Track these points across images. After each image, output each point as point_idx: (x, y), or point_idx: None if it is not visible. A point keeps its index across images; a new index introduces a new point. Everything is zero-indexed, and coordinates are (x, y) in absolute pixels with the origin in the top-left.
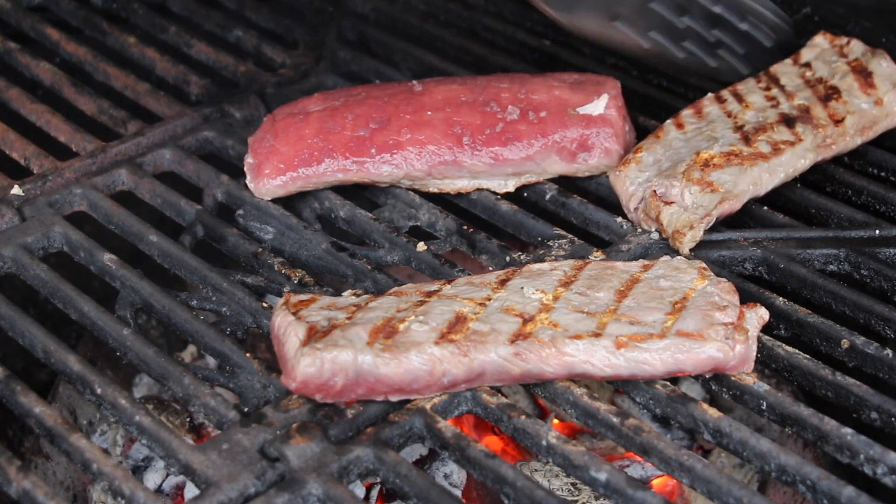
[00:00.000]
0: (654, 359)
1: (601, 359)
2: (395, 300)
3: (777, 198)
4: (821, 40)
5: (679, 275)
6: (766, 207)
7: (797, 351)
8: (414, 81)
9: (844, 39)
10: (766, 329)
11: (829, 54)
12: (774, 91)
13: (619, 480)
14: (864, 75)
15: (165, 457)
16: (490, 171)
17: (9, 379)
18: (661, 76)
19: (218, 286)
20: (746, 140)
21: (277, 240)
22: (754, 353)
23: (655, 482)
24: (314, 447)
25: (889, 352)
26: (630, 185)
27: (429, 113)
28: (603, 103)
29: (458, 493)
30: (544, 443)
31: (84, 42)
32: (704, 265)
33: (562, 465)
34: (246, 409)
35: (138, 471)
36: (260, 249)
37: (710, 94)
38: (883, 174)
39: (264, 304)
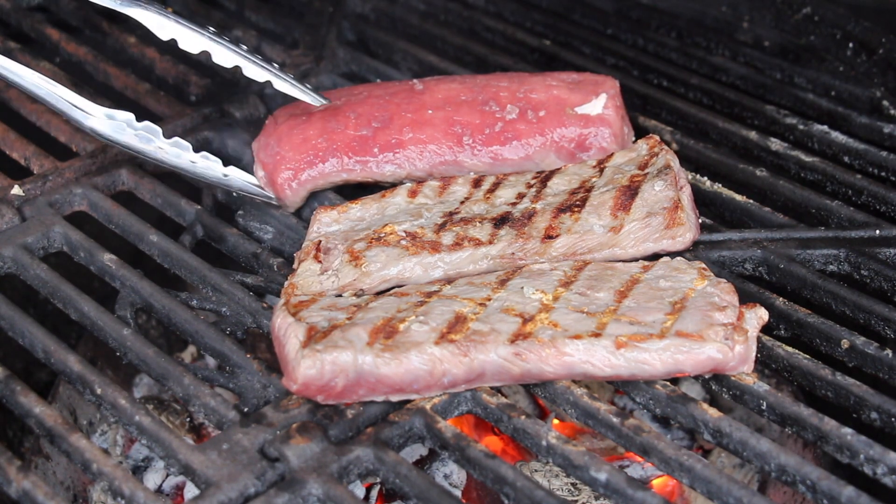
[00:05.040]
0: (653, 359)
1: (601, 359)
2: (395, 300)
3: (777, 198)
4: (642, 144)
5: (679, 275)
6: (766, 208)
7: (797, 351)
8: (414, 80)
9: (660, 148)
10: (766, 329)
11: (633, 162)
12: (532, 191)
13: (619, 480)
14: (629, 194)
15: (165, 457)
16: (490, 171)
17: (9, 379)
18: (662, 76)
19: (218, 286)
20: (441, 227)
21: (277, 240)
22: (754, 354)
23: (655, 482)
24: (314, 447)
25: (889, 352)
26: (318, 227)
27: (429, 112)
28: (601, 103)
29: (458, 493)
30: (544, 443)
31: (84, 42)
32: (704, 266)
33: (562, 465)
34: (246, 410)
35: (138, 471)
36: (260, 249)
37: (470, 175)
38: (883, 174)
39: (264, 304)
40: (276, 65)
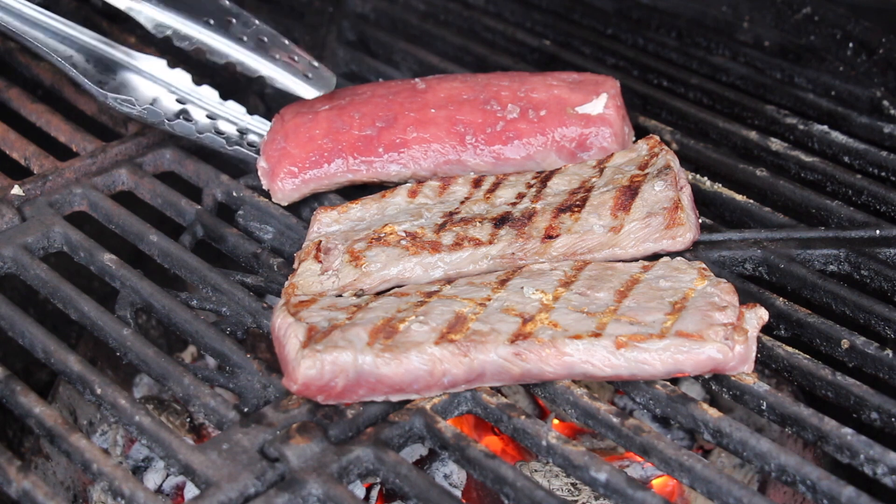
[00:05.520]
0: (653, 359)
1: (601, 359)
2: (395, 300)
3: (777, 198)
4: (642, 145)
5: (679, 275)
6: (766, 208)
7: (797, 351)
8: (417, 79)
9: (661, 148)
10: (766, 329)
11: (634, 163)
12: (532, 191)
13: (619, 480)
14: (629, 194)
15: (165, 457)
16: (492, 170)
17: (9, 379)
18: (662, 76)
19: (218, 286)
20: (441, 227)
21: (277, 240)
22: (754, 354)
23: (655, 482)
24: (314, 447)
25: (889, 352)
26: (318, 227)
27: (432, 111)
28: (602, 103)
29: (458, 493)
30: (544, 443)
31: None
32: (704, 266)
33: (562, 465)
34: (246, 410)
35: (138, 471)
36: (260, 249)
37: (470, 175)
38: (883, 174)
39: (264, 304)
40: (278, 51)
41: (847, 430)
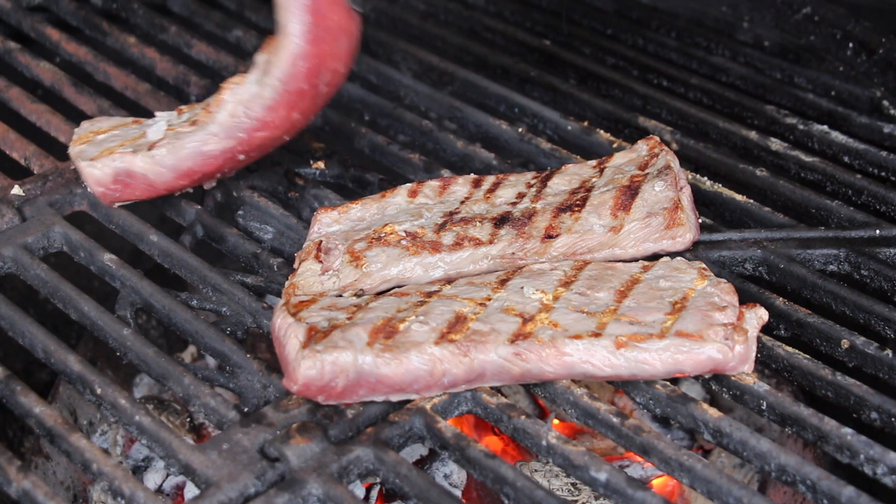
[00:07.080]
0: (653, 359)
1: (601, 359)
2: (395, 300)
3: (777, 198)
4: (642, 145)
5: (679, 275)
6: (766, 208)
7: (797, 351)
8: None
9: (661, 149)
10: (766, 329)
11: (634, 163)
12: (532, 191)
13: (619, 480)
14: (629, 194)
15: (165, 457)
16: None
17: (9, 379)
18: (662, 76)
19: (218, 286)
20: (441, 227)
21: (277, 240)
22: (754, 354)
23: (655, 482)
24: (314, 447)
25: (889, 352)
26: (318, 227)
27: None
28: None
29: (458, 493)
30: (544, 443)
31: (84, 42)
32: (704, 266)
33: (562, 465)
34: (246, 409)
35: (138, 471)
36: (260, 249)
37: (470, 175)
38: (883, 174)
39: (264, 304)
40: None
41: (847, 430)
